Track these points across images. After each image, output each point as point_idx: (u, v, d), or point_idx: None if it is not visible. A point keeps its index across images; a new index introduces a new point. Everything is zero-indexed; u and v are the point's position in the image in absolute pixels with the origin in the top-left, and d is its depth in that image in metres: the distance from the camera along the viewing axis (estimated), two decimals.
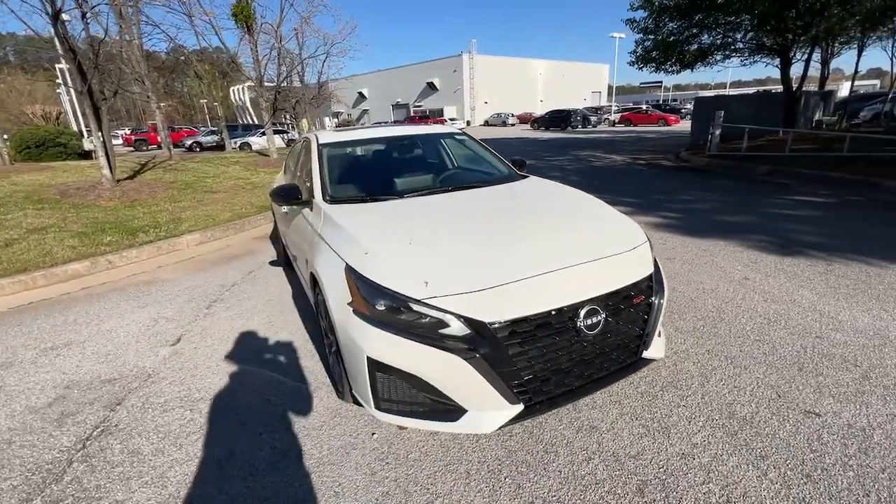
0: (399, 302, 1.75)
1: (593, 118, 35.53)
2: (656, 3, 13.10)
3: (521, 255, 1.95)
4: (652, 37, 14.00)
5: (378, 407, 1.86)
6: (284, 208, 3.48)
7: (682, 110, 38.74)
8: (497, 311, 1.69)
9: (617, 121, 36.52)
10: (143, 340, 3.27)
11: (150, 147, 27.99)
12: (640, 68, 14.78)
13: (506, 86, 51.97)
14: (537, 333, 1.73)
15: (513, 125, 43.43)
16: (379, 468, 1.89)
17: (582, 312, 1.79)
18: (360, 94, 59.65)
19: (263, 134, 24.58)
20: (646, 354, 2.06)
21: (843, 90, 31.23)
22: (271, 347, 3.07)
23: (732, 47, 13.17)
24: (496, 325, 1.68)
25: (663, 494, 1.68)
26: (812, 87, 18.46)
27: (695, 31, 13.25)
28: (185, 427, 2.24)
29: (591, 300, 1.81)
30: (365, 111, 61.68)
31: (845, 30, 13.07)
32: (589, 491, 1.72)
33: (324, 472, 1.89)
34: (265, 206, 7.61)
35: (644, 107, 41.11)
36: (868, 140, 9.26)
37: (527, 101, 53.86)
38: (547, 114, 36.49)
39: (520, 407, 1.75)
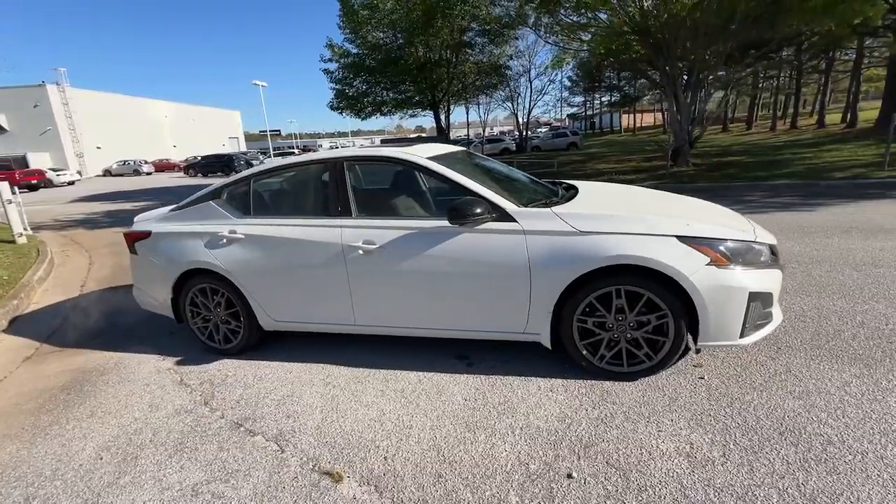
0: (745, 246, 2.34)
1: (256, 162, 35.21)
2: (348, 60, 15.14)
3: (716, 217, 2.86)
4: (346, 89, 16.01)
5: (742, 335, 2.33)
6: (371, 245, 2.69)
7: None
8: (769, 240, 2.58)
9: None
10: None
11: None
12: (341, 113, 16.52)
13: (123, 128, 42.60)
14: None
15: (149, 174, 36.74)
16: (764, 387, 2.34)
17: None
18: None
19: None
20: None
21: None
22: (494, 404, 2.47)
23: (410, 102, 16.99)
24: (776, 247, 2.57)
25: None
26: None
27: (380, 88, 16.22)
28: None
29: None
30: None
31: (459, 96, 19.49)
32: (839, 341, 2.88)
33: (758, 415, 2.18)
34: None
35: (295, 150, 44.04)
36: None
37: (156, 147, 46.22)
38: (202, 159, 33.47)
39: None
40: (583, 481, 1.83)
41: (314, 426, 2.36)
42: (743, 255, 2.33)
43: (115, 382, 3.05)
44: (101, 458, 2.26)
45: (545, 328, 2.55)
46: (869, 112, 26.96)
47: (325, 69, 15.70)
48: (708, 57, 9.22)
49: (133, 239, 3.44)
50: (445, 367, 2.83)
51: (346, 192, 2.90)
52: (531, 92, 24.82)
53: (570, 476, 1.86)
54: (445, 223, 2.60)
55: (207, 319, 3.27)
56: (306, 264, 2.89)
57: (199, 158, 34.91)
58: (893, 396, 2.16)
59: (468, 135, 33.50)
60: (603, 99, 55.97)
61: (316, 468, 2.05)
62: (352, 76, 15.20)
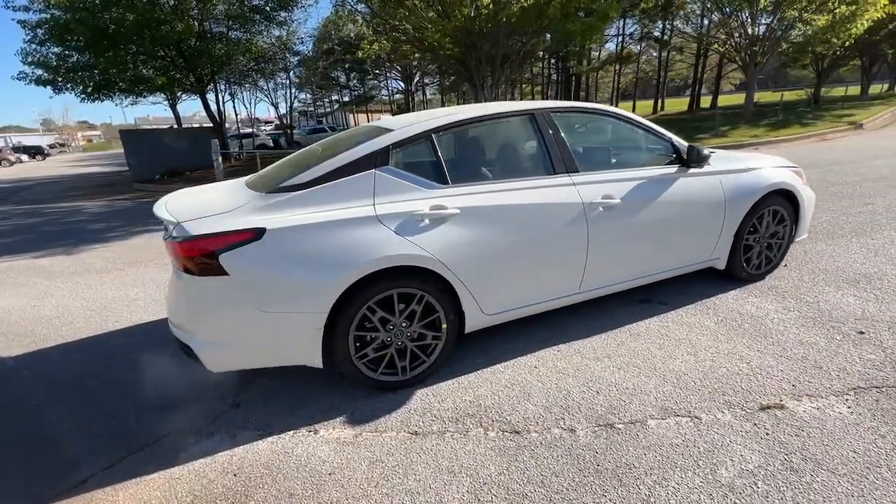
0: (799, 170, 3.48)
1: None
2: (70, 15, 10.37)
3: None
4: (63, 56, 11.01)
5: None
6: (612, 199, 2.57)
7: None
8: None
9: None
10: None
11: None
12: (57, 89, 11.28)
13: None
14: None
15: None
16: (827, 259, 3.58)
17: None
18: None
19: None
20: None
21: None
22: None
23: (177, 82, 13.16)
24: None
25: None
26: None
27: (118, 58, 11.85)
28: None
29: None
30: None
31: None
32: None
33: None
34: None
35: None
36: None
37: None
38: None
39: None
40: (870, 332, 2.54)
41: (668, 391, 2.20)
42: (802, 176, 3.52)
43: (345, 480, 1.79)
44: None
45: (725, 252, 3.11)
46: None
47: (20, 20, 10.12)
48: (504, 60, 11.52)
49: (212, 249, 1.94)
50: (651, 313, 2.98)
51: (566, 146, 2.59)
52: (290, 84, 23.24)
53: (861, 333, 2.54)
54: (668, 170, 2.79)
55: (384, 343, 2.26)
56: (542, 232, 2.45)
57: None
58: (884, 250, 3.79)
59: (238, 126, 28.34)
60: (334, 98, 57.46)
61: (749, 409, 2.02)
62: (77, 39, 10.39)
